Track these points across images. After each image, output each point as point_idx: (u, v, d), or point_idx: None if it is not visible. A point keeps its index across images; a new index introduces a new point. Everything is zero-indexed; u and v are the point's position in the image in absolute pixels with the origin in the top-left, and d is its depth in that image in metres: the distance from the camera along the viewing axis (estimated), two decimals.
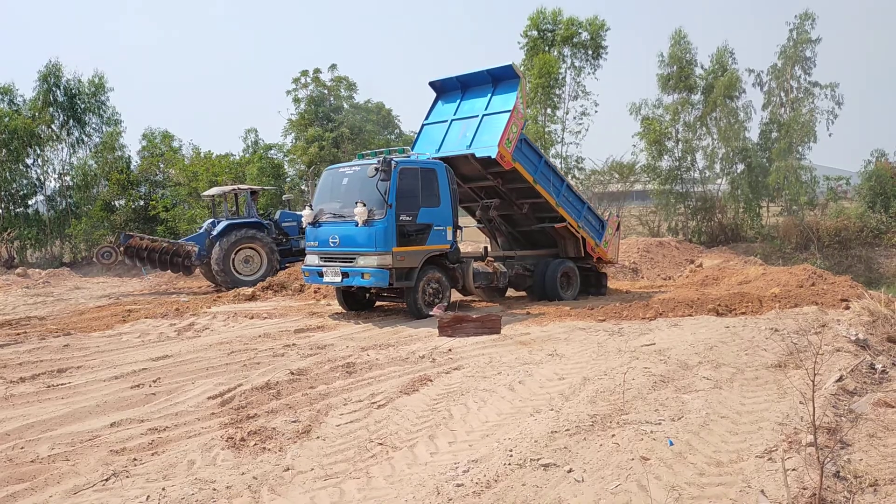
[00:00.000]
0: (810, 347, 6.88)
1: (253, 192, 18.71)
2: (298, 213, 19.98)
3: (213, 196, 19.45)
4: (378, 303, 12.85)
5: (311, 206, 11.90)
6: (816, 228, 26.12)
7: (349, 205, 10.95)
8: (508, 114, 12.22)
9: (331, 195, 11.79)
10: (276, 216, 18.80)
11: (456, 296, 12.83)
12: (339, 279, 11.13)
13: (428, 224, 11.22)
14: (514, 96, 12.40)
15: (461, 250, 12.22)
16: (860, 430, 5.05)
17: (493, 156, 11.96)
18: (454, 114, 13.40)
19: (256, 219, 17.76)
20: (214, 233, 17.10)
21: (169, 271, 18.30)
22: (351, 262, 10.99)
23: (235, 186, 19.71)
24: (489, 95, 12.96)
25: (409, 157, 11.59)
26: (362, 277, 10.78)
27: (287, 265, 18.28)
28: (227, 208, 19.26)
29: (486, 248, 13.49)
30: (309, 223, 11.74)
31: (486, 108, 12.80)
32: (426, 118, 13.98)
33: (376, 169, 10.47)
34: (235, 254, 16.84)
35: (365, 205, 10.61)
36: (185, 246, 17.52)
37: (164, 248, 17.52)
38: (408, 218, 10.91)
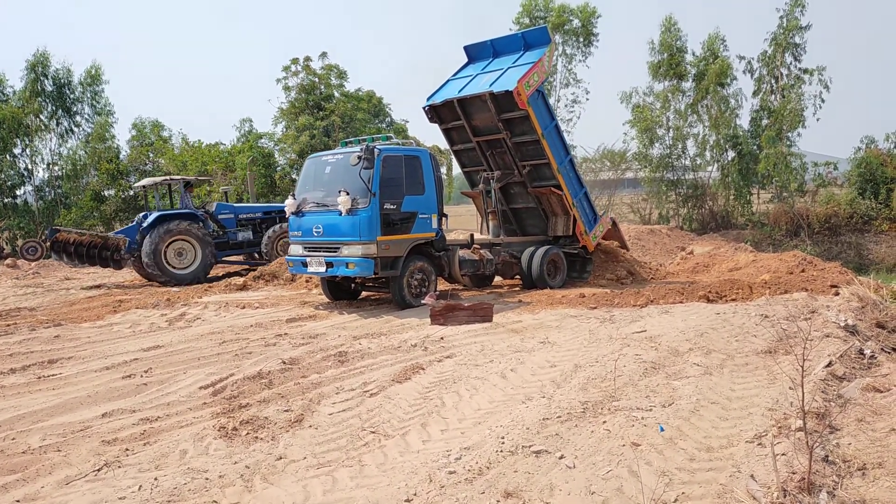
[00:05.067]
0: (800, 333, 6.93)
1: (187, 184, 17.95)
2: (236, 204, 19.58)
3: (144, 187, 18.55)
4: (364, 293, 12.82)
5: (293, 195, 11.80)
6: (806, 215, 26.25)
7: (332, 193, 10.82)
8: (532, 64, 12.78)
9: (314, 184, 11.62)
10: (213, 208, 18.13)
11: (444, 284, 12.83)
12: (323, 269, 11.04)
13: (413, 212, 11.14)
14: (542, 52, 13.04)
15: (447, 238, 12.21)
16: (849, 414, 5.10)
17: (511, 89, 12.25)
18: (482, 70, 13.94)
19: (190, 210, 17.13)
20: (145, 225, 16.34)
21: (98, 266, 17.35)
22: (335, 251, 10.88)
23: (168, 177, 18.98)
24: (519, 55, 13.58)
25: (392, 144, 11.55)
26: (347, 267, 10.69)
27: (224, 259, 17.85)
28: (160, 199, 18.45)
29: (472, 235, 13.52)
30: (292, 213, 11.61)
31: (512, 63, 13.38)
32: (453, 74, 14.50)
33: (359, 157, 10.38)
34: (167, 246, 16.12)
35: (348, 193, 10.47)
36: (115, 239, 16.71)
37: (91, 242, 16.59)
38: (392, 206, 10.82)
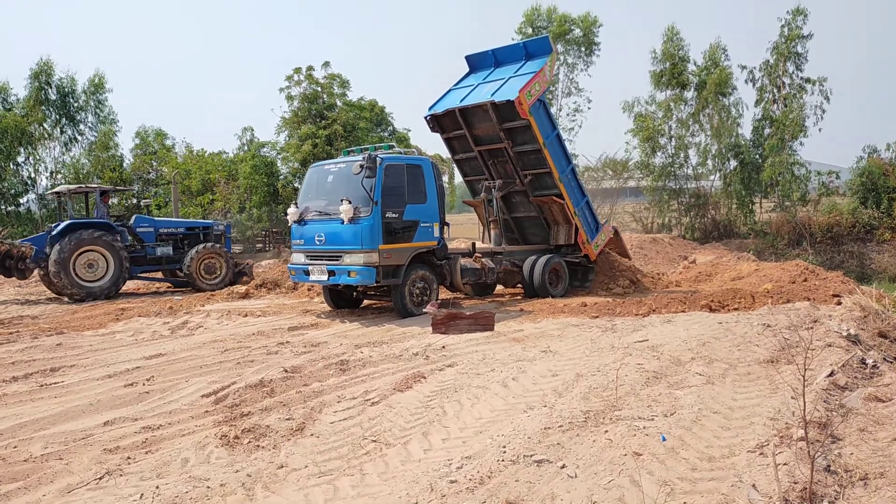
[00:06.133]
0: (802, 343, 6.93)
1: (103, 192, 16.95)
2: (156, 218, 18.82)
3: (58, 194, 17.37)
4: (365, 301, 12.83)
5: (296, 203, 11.84)
6: (809, 224, 26.25)
7: (335, 202, 10.87)
8: (534, 73, 12.88)
9: (316, 192, 11.68)
10: (132, 221, 17.27)
11: (445, 293, 12.82)
12: (325, 277, 11.07)
13: (414, 221, 11.18)
14: (544, 62, 13.16)
15: (449, 246, 12.21)
16: (851, 424, 5.09)
17: (513, 99, 12.36)
18: (483, 80, 14.06)
19: (104, 220, 16.21)
20: (54, 233, 15.46)
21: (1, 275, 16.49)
22: (337, 260, 10.91)
23: (84, 185, 17.97)
24: (520, 65, 13.69)
25: (394, 153, 11.58)
26: (349, 275, 10.72)
27: (140, 275, 17.01)
28: (73, 208, 17.43)
29: (473, 243, 13.53)
30: (294, 221, 11.65)
31: (514, 73, 13.51)
32: (454, 84, 14.60)
33: (361, 166, 10.42)
34: (77, 257, 15.21)
35: (350, 202, 10.52)
36: (20, 247, 15.88)
37: None
38: (394, 215, 10.86)
